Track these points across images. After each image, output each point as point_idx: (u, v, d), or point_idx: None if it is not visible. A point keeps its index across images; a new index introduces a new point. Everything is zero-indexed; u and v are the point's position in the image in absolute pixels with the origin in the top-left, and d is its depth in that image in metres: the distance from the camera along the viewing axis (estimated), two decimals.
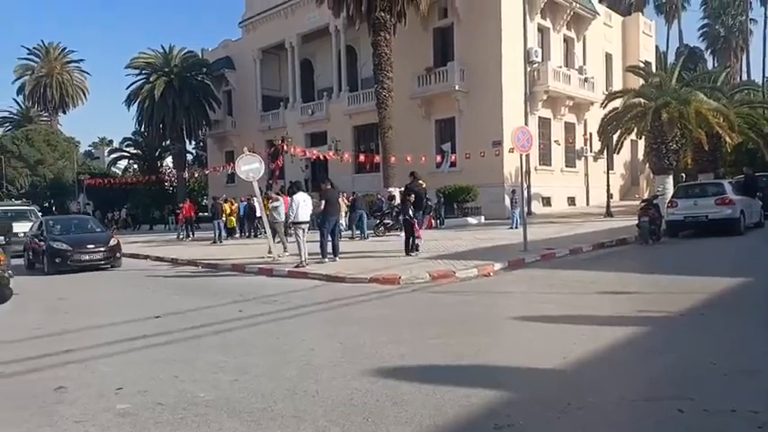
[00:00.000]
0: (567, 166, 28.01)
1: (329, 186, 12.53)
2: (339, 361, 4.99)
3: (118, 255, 14.19)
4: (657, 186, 20.62)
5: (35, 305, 9.16)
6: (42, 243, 13.81)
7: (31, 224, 17.22)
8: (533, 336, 5.73)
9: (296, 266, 11.31)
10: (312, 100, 33.22)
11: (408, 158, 22.16)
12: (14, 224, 17.49)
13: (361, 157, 25.02)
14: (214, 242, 20.07)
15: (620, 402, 3.75)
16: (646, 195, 23.92)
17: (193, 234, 23.66)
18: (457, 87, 24.27)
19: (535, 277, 9.54)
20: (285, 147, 24.77)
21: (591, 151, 28.29)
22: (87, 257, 13.41)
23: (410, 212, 12.52)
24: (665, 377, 4.24)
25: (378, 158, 24.01)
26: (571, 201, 27.93)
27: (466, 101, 24.70)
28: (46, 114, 53.01)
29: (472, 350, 5.13)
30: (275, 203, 14.71)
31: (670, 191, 18.82)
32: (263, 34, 35.03)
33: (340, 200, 14.85)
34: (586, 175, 28.25)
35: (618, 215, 21.22)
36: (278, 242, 14.13)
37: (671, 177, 21.06)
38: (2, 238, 14.20)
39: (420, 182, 13.66)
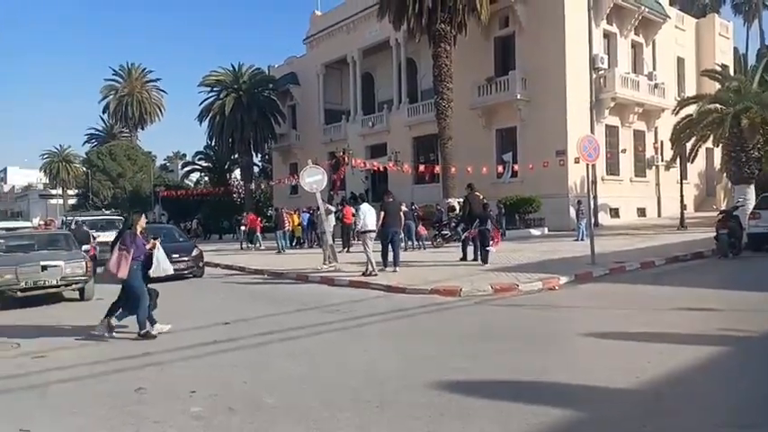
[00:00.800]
0: (636, 175, 26.82)
1: (390, 199, 12.72)
2: (402, 373, 5.01)
3: (200, 264, 14.47)
4: (738, 197, 19.32)
5: None
6: None
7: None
8: (603, 353, 5.52)
9: (363, 274, 11.67)
10: (373, 112, 33.68)
11: (469, 169, 21.94)
12: (103, 233, 18.58)
13: (421, 168, 25.01)
14: (279, 252, 20.69)
15: (700, 427, 3.55)
16: (723, 206, 22.49)
17: (252, 243, 24.42)
18: (519, 96, 23.88)
19: (604, 292, 9.17)
20: (346, 159, 25.21)
21: (662, 160, 26.92)
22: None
23: (489, 224, 12.97)
24: (748, 402, 3.97)
25: (437, 169, 23.96)
26: (641, 212, 26.68)
27: (528, 110, 24.24)
28: (127, 131, 56.73)
29: (538, 366, 5.00)
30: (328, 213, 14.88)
31: (752, 201, 17.59)
32: (326, 50, 35.97)
33: (401, 211, 15.06)
34: (657, 185, 26.89)
35: (692, 227, 20.06)
36: (334, 251, 14.16)
37: (752, 187, 19.68)
38: (87, 246, 14.99)
39: (477, 193, 13.69)
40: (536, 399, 4.10)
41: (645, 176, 27.14)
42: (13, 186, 79.06)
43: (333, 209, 18.29)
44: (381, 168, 28.53)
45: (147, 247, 7.28)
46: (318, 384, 4.81)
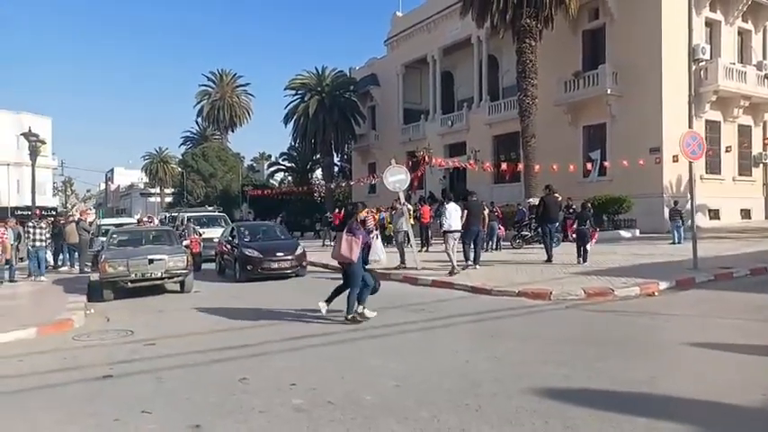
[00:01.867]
0: (740, 174, 24.68)
1: (474, 198, 12.72)
2: (497, 376, 4.91)
3: (304, 263, 13.74)
4: None
5: (216, 302, 10.31)
6: (234, 249, 13.72)
7: (222, 230, 18.13)
8: (717, 366, 5.11)
9: (448, 273, 11.68)
10: (452, 111, 33.41)
11: (554, 167, 21.16)
12: (207, 229, 19.07)
13: (503, 166, 24.40)
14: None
15: None
16: None
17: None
18: (609, 91, 22.70)
19: (710, 299, 8.50)
20: (427, 158, 25.16)
21: None
22: (276, 265, 13.02)
23: (587, 223, 13.05)
24: None
25: (520, 167, 23.31)
26: (745, 213, 24.52)
27: (619, 105, 22.99)
28: (218, 133, 60.11)
29: (645, 377, 4.71)
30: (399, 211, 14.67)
31: None
32: (407, 50, 36.14)
33: (483, 211, 15.00)
34: (765, 184, 24.65)
35: None
36: (409, 250, 13.99)
37: None
38: (186, 241, 15.68)
39: (555, 195, 13.50)
40: (646, 411, 3.87)
41: (750, 175, 24.94)
42: (119, 185, 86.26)
43: (411, 207, 18.26)
44: (461, 167, 28.19)
45: (371, 236, 8.16)
46: (412, 384, 4.82)
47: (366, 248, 7.78)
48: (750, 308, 7.66)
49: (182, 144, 64.67)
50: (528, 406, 4.08)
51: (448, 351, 6.02)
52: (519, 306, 8.51)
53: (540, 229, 15.08)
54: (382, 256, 8.30)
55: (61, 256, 17.72)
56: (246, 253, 13.14)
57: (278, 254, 13.17)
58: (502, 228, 18.62)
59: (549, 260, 13.07)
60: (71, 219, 18.79)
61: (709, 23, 23.70)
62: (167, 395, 4.83)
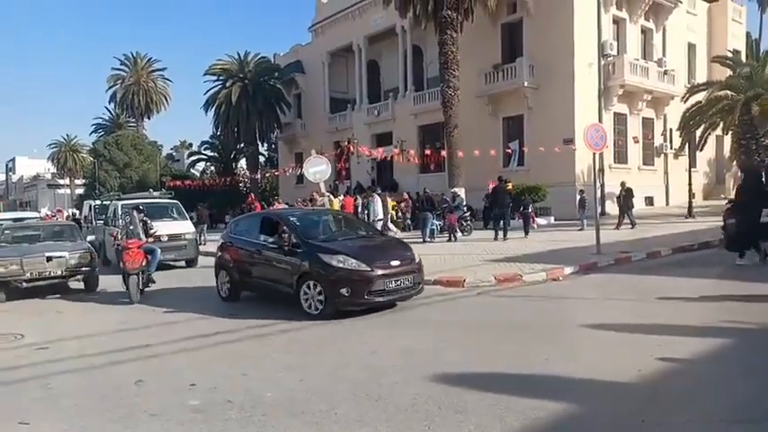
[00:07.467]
0: (644, 163, 26.49)
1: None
2: (401, 365, 4.97)
3: (423, 275, 8.03)
4: None
5: (119, 298, 9.72)
6: (290, 256, 7.72)
7: (178, 224, 13.91)
8: (606, 346, 5.45)
9: None
10: (378, 101, 33.44)
11: (476, 152, 21.75)
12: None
13: (427, 152, 24.71)
14: None
15: (703, 422, 3.48)
16: (732, 195, 22.23)
17: None
18: (526, 84, 23.58)
19: (609, 282, 9.08)
20: (351, 148, 25.08)
21: (671, 148, 26.60)
22: (393, 285, 7.36)
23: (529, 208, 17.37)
24: (754, 397, 3.90)
25: (444, 155, 23.74)
26: (648, 201, 26.38)
27: (535, 97, 23.95)
28: (133, 120, 56.63)
29: (540, 359, 4.94)
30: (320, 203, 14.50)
31: None
32: (332, 37, 35.67)
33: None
34: (666, 173, 26.56)
35: (701, 216, 19.83)
36: None
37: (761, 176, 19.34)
38: (91, 237, 14.07)
39: (508, 184, 16.80)
40: (536, 392, 4.05)
41: (653, 165, 26.81)
42: (22, 176, 79.51)
43: (332, 198, 17.99)
44: (386, 158, 28.35)
45: None
46: (317, 377, 4.78)
47: None
48: (643, 289, 8.24)
49: (93, 132, 60.31)
50: (425, 393, 4.16)
51: (356, 342, 6.03)
52: (433, 294, 8.67)
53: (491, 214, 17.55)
54: None
55: None
56: (336, 264, 7.26)
57: (393, 263, 7.56)
58: (453, 216, 18.08)
59: (499, 239, 15.45)
60: None
61: (616, 21, 25.12)
62: (53, 402, 4.51)
